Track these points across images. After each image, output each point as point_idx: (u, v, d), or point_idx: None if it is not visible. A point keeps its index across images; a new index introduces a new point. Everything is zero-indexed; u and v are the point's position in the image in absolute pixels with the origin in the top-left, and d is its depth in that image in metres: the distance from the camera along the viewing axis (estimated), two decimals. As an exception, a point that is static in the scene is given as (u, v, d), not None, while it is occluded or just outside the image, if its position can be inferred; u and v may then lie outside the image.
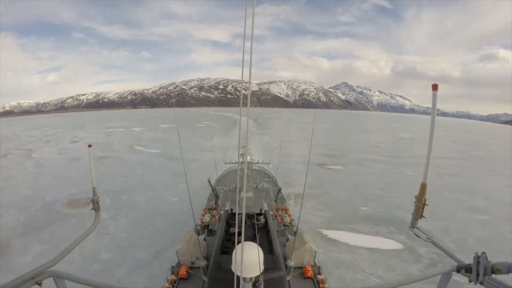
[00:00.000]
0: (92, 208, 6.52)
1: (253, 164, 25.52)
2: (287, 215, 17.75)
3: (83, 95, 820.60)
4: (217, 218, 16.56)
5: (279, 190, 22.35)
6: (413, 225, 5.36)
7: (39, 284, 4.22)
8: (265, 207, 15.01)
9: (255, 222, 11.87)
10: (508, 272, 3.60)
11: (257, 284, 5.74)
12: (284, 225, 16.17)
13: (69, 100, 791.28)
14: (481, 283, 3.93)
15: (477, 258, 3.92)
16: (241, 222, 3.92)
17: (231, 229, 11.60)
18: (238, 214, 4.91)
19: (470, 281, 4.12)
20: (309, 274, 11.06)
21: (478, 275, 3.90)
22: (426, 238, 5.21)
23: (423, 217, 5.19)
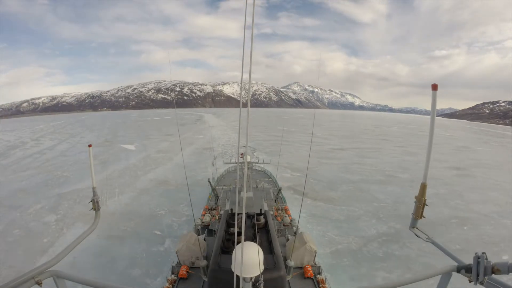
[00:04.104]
0: (92, 208, 6.51)
1: (253, 164, 25.47)
2: (287, 215, 17.74)
3: (38, 98, 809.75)
4: (217, 218, 16.56)
5: (279, 190, 22.34)
6: (413, 225, 5.34)
7: (39, 284, 4.22)
8: (265, 207, 15.01)
9: (255, 222, 11.87)
10: (508, 272, 3.60)
11: (257, 284, 5.75)
12: (284, 225, 16.17)
13: (24, 104, 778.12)
14: (481, 283, 3.93)
15: (477, 259, 3.92)
16: (241, 222, 3.92)
17: (231, 229, 11.60)
18: (238, 214, 4.91)
19: (470, 281, 4.12)
20: (309, 274, 11.05)
21: (478, 275, 3.90)
22: (426, 238, 5.20)
23: (423, 217, 5.18)
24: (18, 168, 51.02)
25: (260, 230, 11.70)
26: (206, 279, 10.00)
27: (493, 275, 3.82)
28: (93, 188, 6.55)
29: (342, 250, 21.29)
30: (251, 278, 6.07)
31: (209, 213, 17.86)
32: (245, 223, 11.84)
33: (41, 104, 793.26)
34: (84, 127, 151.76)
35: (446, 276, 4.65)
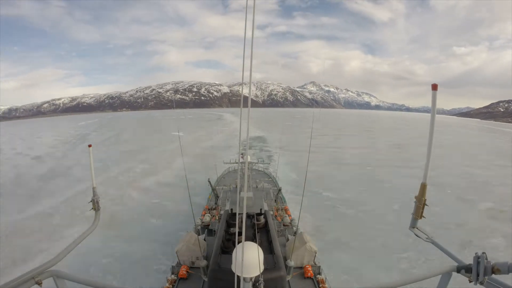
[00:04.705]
0: (92, 208, 6.50)
1: (253, 164, 25.47)
2: (287, 215, 17.73)
3: (58, 99, 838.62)
4: (217, 218, 16.56)
5: (279, 190, 22.32)
6: (413, 225, 5.34)
7: (39, 284, 4.21)
8: (265, 207, 15.01)
9: (255, 222, 11.87)
10: (508, 272, 3.59)
11: (257, 284, 5.75)
12: (284, 225, 16.16)
13: (45, 105, 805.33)
14: (481, 283, 3.93)
15: (477, 258, 3.92)
16: (241, 222, 3.92)
17: (231, 229, 11.60)
18: (238, 214, 4.89)
19: (470, 281, 4.12)
20: (309, 274, 11.04)
21: (478, 275, 3.90)
22: (426, 238, 5.20)
23: (423, 217, 5.18)
24: (108, 145, 74.58)
25: (260, 230, 11.70)
26: (206, 279, 10.00)
27: (493, 275, 3.82)
28: (93, 188, 6.52)
29: (291, 163, 46.39)
30: (251, 278, 6.07)
31: (209, 213, 17.85)
32: (245, 223, 11.82)
33: (61, 105, 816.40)
34: (124, 123, 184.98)
35: (446, 276, 4.65)
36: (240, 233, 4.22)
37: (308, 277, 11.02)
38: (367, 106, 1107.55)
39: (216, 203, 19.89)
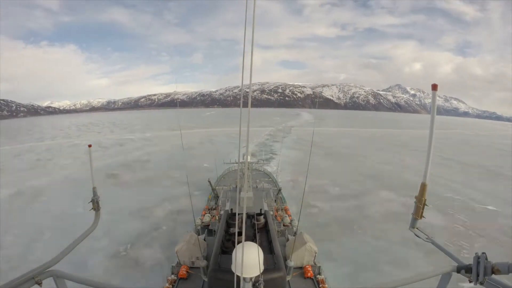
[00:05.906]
0: (92, 208, 6.50)
1: (253, 164, 25.47)
2: (287, 215, 17.74)
3: (154, 95, 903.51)
4: (217, 218, 16.57)
5: (279, 190, 22.33)
6: (413, 225, 5.33)
7: (39, 284, 4.21)
8: (265, 207, 15.01)
9: (255, 222, 11.88)
10: (508, 272, 3.60)
11: (257, 284, 5.75)
12: (284, 225, 16.17)
13: (142, 100, 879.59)
14: (481, 284, 3.93)
15: (477, 259, 3.92)
16: (241, 222, 3.92)
17: (231, 229, 11.60)
18: (238, 214, 4.89)
19: (470, 281, 4.12)
20: (309, 274, 11.05)
21: (478, 275, 3.90)
22: (426, 238, 5.20)
23: (423, 217, 5.18)
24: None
25: (260, 230, 11.71)
26: (206, 279, 10.00)
27: (493, 275, 3.82)
28: (93, 188, 6.53)
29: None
30: (251, 278, 6.07)
31: (209, 213, 17.86)
32: (245, 223, 11.82)
33: (156, 100, 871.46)
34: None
35: (446, 276, 4.65)
36: (240, 233, 4.22)
37: (308, 277, 11.03)
38: (454, 112, 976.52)
39: (216, 203, 19.90)
